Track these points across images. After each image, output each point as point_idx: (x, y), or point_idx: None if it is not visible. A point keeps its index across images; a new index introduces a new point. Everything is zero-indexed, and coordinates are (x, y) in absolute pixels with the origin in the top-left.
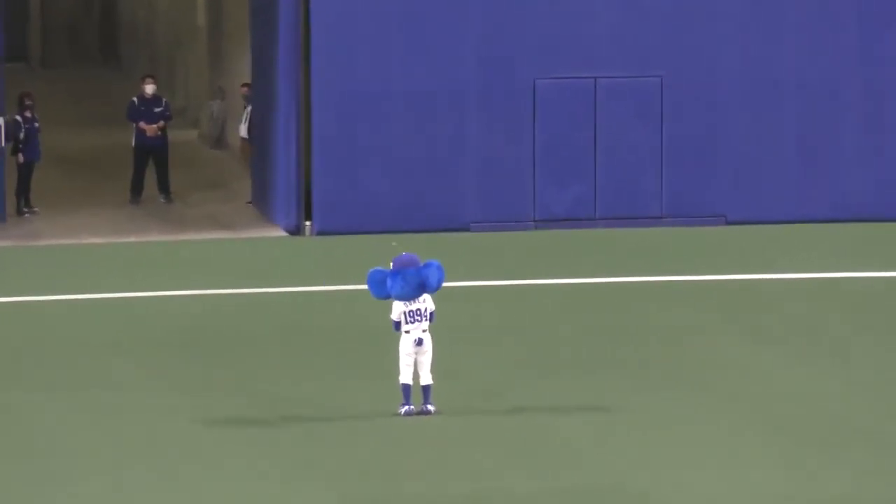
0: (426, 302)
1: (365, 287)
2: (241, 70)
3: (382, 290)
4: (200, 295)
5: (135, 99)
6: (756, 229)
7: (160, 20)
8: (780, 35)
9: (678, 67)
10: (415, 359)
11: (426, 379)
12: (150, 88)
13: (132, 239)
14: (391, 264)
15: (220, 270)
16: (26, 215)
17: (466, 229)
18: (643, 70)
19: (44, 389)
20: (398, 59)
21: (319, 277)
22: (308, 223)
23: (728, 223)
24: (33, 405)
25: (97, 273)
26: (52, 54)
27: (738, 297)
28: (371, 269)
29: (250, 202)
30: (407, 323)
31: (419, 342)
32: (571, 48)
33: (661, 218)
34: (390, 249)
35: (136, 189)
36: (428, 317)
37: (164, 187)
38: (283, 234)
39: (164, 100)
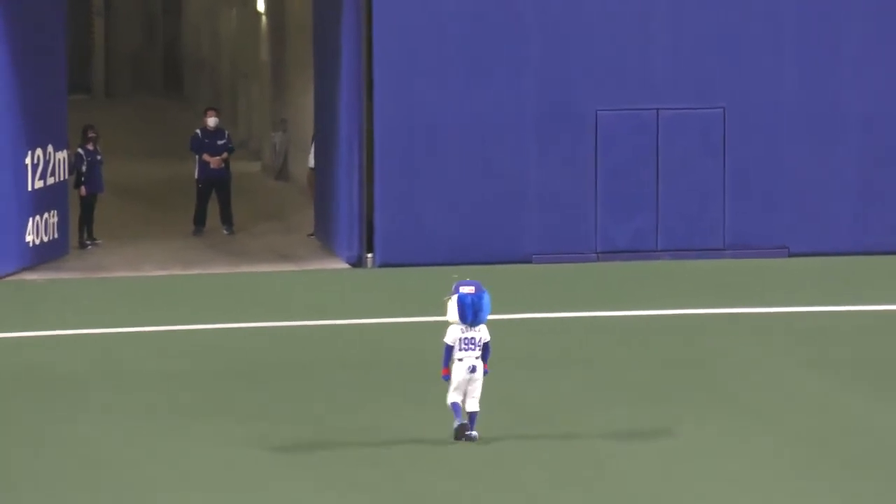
0: (481, 332)
1: (419, 319)
2: (305, 103)
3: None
4: (263, 327)
5: (198, 131)
6: (818, 261)
7: (224, 53)
8: (841, 65)
9: (740, 98)
10: (466, 386)
11: (473, 406)
12: (212, 121)
13: (195, 271)
14: (458, 288)
15: (282, 302)
16: (89, 247)
17: (528, 261)
18: (705, 101)
19: (108, 420)
20: (459, 92)
21: (380, 310)
22: (370, 255)
23: (790, 255)
24: (98, 435)
25: (160, 305)
26: (116, 85)
27: (803, 329)
28: (469, 294)
29: (312, 234)
30: (460, 350)
31: (472, 370)
32: (633, 79)
33: (723, 250)
34: (451, 281)
35: (200, 220)
36: (481, 346)
37: (226, 219)
38: (345, 265)
39: (226, 132)
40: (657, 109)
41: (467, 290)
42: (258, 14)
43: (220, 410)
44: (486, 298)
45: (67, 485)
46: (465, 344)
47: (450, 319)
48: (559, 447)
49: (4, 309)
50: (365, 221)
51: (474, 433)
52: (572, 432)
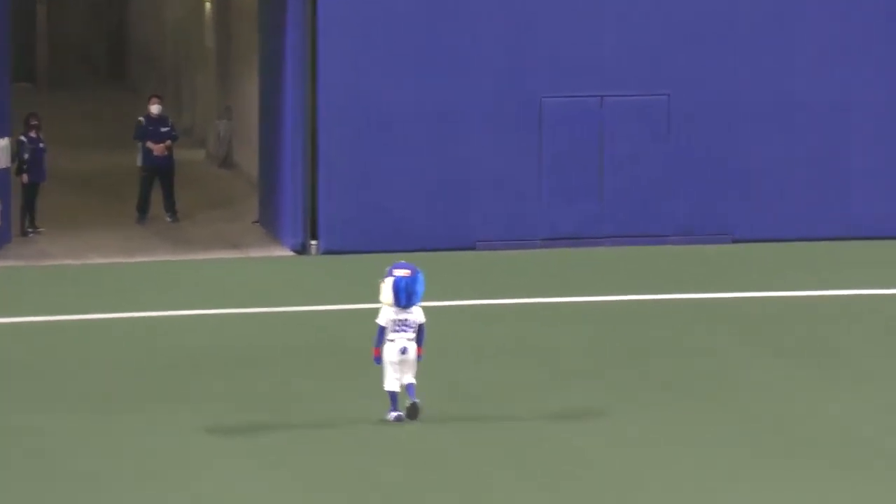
0: (415, 314)
1: (364, 305)
2: (250, 90)
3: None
4: (206, 314)
5: (142, 119)
6: (764, 247)
7: (169, 40)
8: (790, 52)
9: (686, 85)
10: (400, 367)
11: (409, 379)
12: (155, 108)
13: (138, 259)
14: (392, 270)
15: (226, 290)
16: (31, 235)
17: (473, 248)
18: (650, 88)
19: (51, 410)
20: (405, 78)
21: (323, 296)
22: (314, 242)
23: (735, 241)
24: (43, 424)
25: (103, 293)
26: (60, 74)
27: (751, 315)
28: (403, 277)
29: (257, 221)
30: (393, 331)
31: (404, 351)
32: (579, 66)
33: (668, 236)
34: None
35: (143, 208)
36: (416, 328)
37: (170, 207)
38: (290, 253)
39: (170, 120)
40: (602, 96)
41: (402, 272)
42: (202, 0)
43: (167, 397)
44: (420, 280)
45: (11, 474)
46: (398, 325)
47: (383, 301)
48: (505, 430)
49: None
50: (309, 208)
51: (415, 400)
52: (518, 415)
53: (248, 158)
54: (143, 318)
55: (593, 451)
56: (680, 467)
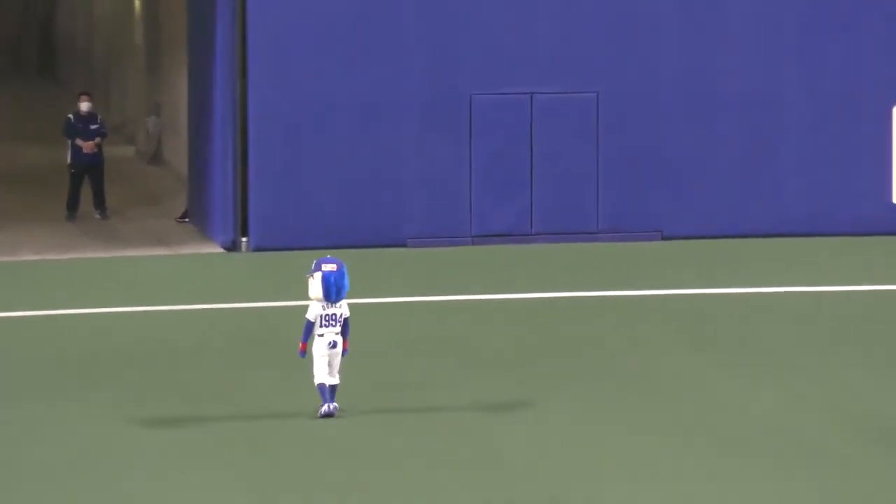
0: (342, 308)
1: (294, 303)
2: (179, 87)
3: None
4: (136, 311)
5: (70, 116)
6: (693, 244)
7: (98, 36)
8: (718, 47)
9: (614, 83)
10: (329, 361)
11: (334, 379)
12: (85, 106)
13: (69, 255)
14: (320, 266)
15: (156, 287)
16: None
17: (404, 245)
18: (579, 86)
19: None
20: (336, 73)
21: (254, 293)
22: (245, 239)
23: (664, 238)
24: (32, 417)
25: (34, 289)
26: None
27: (679, 311)
28: (332, 272)
29: (181, 217)
30: (321, 326)
31: (333, 345)
32: (508, 63)
33: (597, 233)
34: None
35: (72, 205)
36: (342, 322)
37: (99, 203)
38: (220, 250)
39: (99, 117)
40: (531, 94)
41: (329, 267)
42: None
43: (95, 392)
44: (345, 273)
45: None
46: (327, 320)
47: (312, 296)
48: (430, 423)
49: None
50: (239, 205)
51: (335, 405)
52: (443, 407)
53: (178, 155)
54: (74, 314)
55: (516, 441)
56: (601, 457)
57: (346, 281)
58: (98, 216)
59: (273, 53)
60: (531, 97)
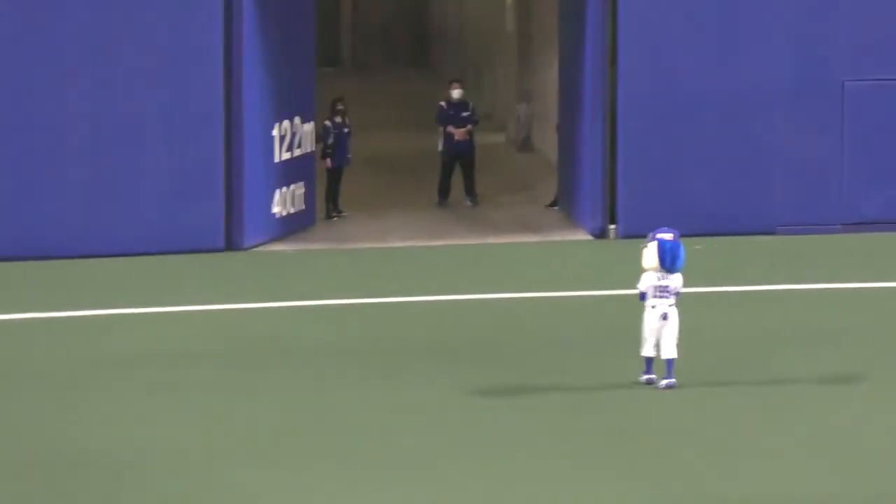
0: (675, 280)
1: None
2: (550, 74)
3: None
4: (505, 298)
5: (443, 103)
6: None
7: (469, 25)
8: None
9: None
10: (659, 332)
11: (670, 353)
12: (456, 93)
13: (439, 242)
14: (656, 235)
15: (525, 273)
16: (335, 219)
17: (773, 232)
18: None
19: (358, 388)
20: (706, 60)
21: (621, 281)
22: (613, 226)
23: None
24: (350, 405)
25: (404, 276)
26: (364, 58)
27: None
28: (668, 240)
29: (551, 205)
30: (654, 297)
31: (665, 317)
32: (883, 49)
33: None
34: (695, 252)
35: (443, 192)
36: (675, 294)
37: (470, 191)
38: (589, 237)
39: (470, 104)
40: None
41: (666, 236)
42: None
43: (473, 379)
44: (682, 249)
45: (325, 450)
46: (660, 291)
47: (646, 265)
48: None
49: (252, 279)
50: (608, 192)
51: (673, 380)
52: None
53: (548, 142)
54: (442, 300)
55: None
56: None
57: (682, 251)
58: (469, 203)
59: (643, 42)
60: None
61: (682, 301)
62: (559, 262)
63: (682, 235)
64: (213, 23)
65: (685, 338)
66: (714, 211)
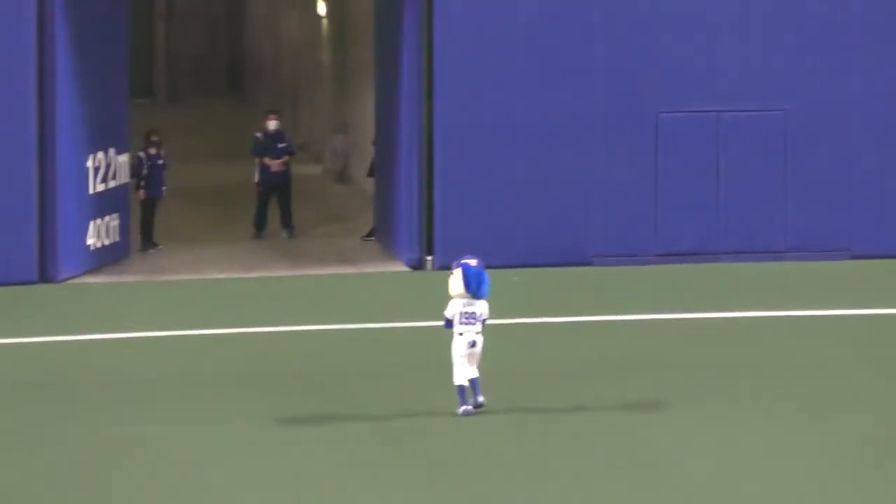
0: (481, 307)
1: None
2: (366, 106)
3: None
4: (322, 330)
5: (259, 134)
6: (881, 264)
7: (285, 56)
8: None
9: (802, 100)
10: (468, 360)
11: (474, 373)
12: (272, 124)
13: (255, 274)
14: (461, 262)
15: (342, 305)
16: (150, 251)
17: (589, 263)
18: (767, 104)
19: (170, 422)
20: (521, 93)
21: (437, 312)
22: (430, 258)
23: (853, 257)
24: (161, 438)
25: (220, 308)
26: (178, 89)
27: (865, 332)
28: (473, 267)
29: (367, 236)
30: (461, 324)
31: (473, 344)
32: (695, 82)
33: (785, 252)
34: (510, 284)
35: (260, 224)
36: (481, 320)
37: (286, 222)
38: (406, 268)
39: (286, 135)
40: (718, 112)
41: (471, 261)
42: (319, 17)
43: (282, 412)
44: (485, 271)
45: (133, 485)
46: (466, 318)
47: (452, 293)
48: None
49: (67, 311)
50: (425, 224)
51: (480, 398)
52: (634, 434)
53: (365, 173)
54: (259, 332)
55: (697, 456)
56: (799, 470)
57: (487, 278)
58: (285, 235)
59: (458, 74)
60: (718, 115)
61: (497, 332)
62: (376, 293)
63: (500, 267)
64: (26, 54)
65: (498, 368)
66: (531, 242)
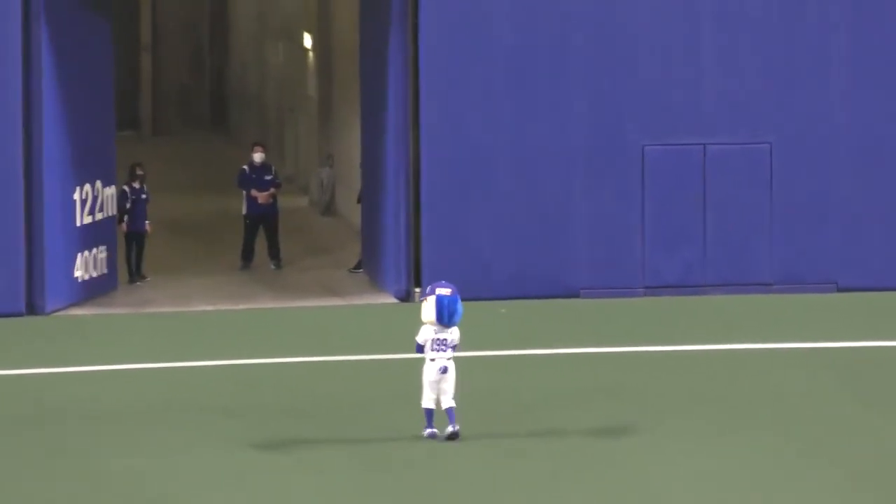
0: (452, 333)
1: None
2: (352, 138)
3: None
4: (309, 362)
5: (245, 167)
6: (867, 296)
7: (271, 88)
8: (889, 96)
9: (787, 133)
10: (438, 386)
11: (449, 402)
12: (258, 156)
13: (242, 306)
14: (434, 289)
15: (329, 337)
16: (138, 283)
17: (576, 296)
18: (752, 136)
19: (157, 455)
20: (507, 126)
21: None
22: (417, 289)
23: (839, 290)
24: (148, 470)
25: (207, 340)
26: (163, 121)
27: (851, 363)
28: (446, 295)
29: (355, 268)
30: (432, 350)
31: (444, 370)
32: (680, 115)
33: (770, 285)
34: (498, 316)
35: (247, 256)
36: (452, 347)
37: (274, 254)
38: (393, 300)
39: (273, 167)
40: (704, 145)
41: (444, 291)
42: (304, 49)
43: (271, 444)
44: (460, 304)
45: None
46: (438, 345)
47: (424, 319)
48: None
49: (54, 344)
50: (412, 256)
51: (454, 427)
52: (614, 462)
53: (351, 206)
54: (246, 364)
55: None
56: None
57: (460, 306)
58: (273, 266)
59: (445, 105)
60: (704, 148)
61: (481, 363)
62: (364, 325)
63: (487, 299)
64: (12, 86)
65: (482, 399)
66: (518, 274)
